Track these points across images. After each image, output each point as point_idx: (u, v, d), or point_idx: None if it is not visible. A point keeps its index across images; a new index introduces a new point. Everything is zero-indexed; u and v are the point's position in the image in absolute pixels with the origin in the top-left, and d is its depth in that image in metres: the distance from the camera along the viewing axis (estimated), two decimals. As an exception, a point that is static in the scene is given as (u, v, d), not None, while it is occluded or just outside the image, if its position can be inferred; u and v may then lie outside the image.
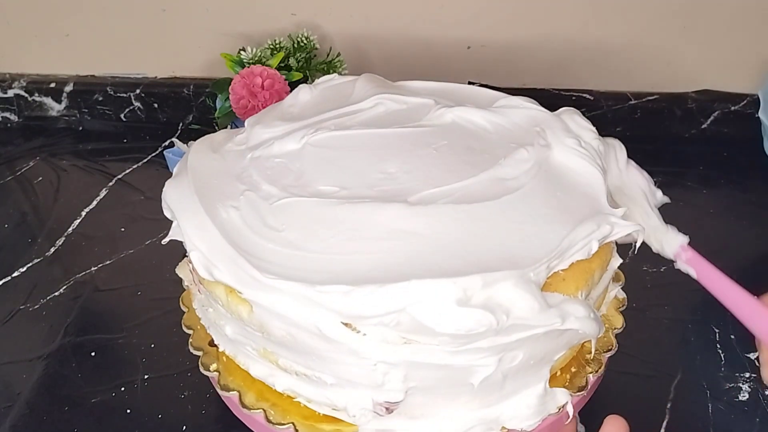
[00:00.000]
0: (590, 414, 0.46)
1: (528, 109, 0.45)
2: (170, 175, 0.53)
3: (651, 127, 0.72)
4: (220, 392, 0.41)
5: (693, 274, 0.42)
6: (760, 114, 0.67)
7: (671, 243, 0.43)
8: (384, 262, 0.35)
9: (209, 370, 0.42)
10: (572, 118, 0.44)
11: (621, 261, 0.43)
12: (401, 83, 0.50)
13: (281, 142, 0.43)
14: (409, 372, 0.35)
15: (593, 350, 0.41)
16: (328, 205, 0.38)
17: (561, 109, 0.45)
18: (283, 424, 0.39)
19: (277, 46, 0.64)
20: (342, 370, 0.35)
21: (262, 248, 0.36)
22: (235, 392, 0.41)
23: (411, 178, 0.40)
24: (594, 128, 0.43)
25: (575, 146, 0.41)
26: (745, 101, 0.70)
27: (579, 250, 0.36)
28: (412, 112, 0.46)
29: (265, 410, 0.39)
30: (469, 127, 0.44)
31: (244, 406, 0.40)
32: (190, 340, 0.44)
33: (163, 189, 0.41)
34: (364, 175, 0.41)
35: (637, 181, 0.43)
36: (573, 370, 0.41)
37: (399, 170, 0.41)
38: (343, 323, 0.33)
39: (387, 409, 0.36)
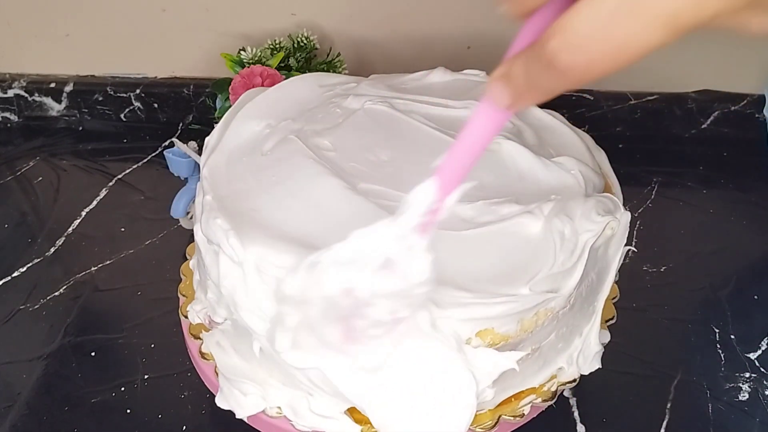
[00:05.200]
0: (590, 414, 0.46)
1: (570, 176, 0.42)
2: (170, 175, 0.54)
3: (651, 127, 0.72)
4: (181, 317, 0.46)
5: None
6: (766, 112, 0.67)
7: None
8: (270, 216, 0.38)
9: (180, 294, 0.48)
10: (589, 206, 0.39)
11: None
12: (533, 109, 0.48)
13: (352, 99, 0.46)
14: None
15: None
16: (300, 154, 0.41)
17: (599, 195, 0.41)
18: (207, 359, 0.42)
19: (277, 46, 0.64)
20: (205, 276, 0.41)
21: (236, 159, 0.42)
22: (186, 319, 0.45)
23: (388, 173, 0.40)
24: (596, 230, 0.38)
25: (550, 229, 0.38)
26: (745, 101, 0.70)
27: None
28: None
29: (202, 340, 0.43)
30: (507, 164, 0.42)
31: (191, 334, 0.44)
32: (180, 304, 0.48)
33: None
34: (363, 149, 0.42)
35: None
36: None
37: (389, 162, 0.41)
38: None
39: (209, 323, 0.43)
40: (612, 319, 0.45)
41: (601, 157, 0.46)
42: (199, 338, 0.43)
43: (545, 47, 0.19)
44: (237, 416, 0.40)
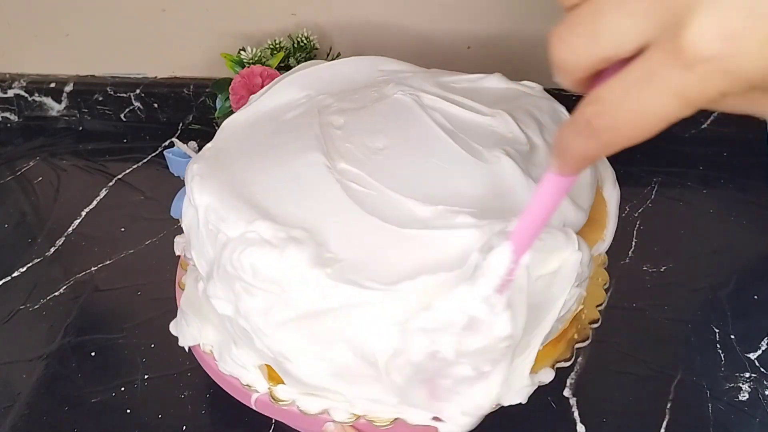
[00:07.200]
0: (590, 414, 0.46)
1: None
2: (170, 175, 0.54)
3: (651, 127, 0.72)
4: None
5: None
6: (766, 112, 0.67)
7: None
8: (245, 177, 0.39)
9: (181, 267, 0.48)
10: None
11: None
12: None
13: (392, 86, 0.46)
14: None
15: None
16: (307, 126, 0.42)
17: (546, 231, 0.37)
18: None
19: (277, 46, 0.64)
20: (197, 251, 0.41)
21: (258, 119, 0.44)
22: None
23: (377, 162, 0.39)
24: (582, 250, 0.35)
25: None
26: (745, 101, 0.70)
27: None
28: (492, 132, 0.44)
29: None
30: (492, 179, 0.40)
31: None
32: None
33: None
34: (366, 133, 0.42)
35: None
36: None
37: (381, 150, 0.41)
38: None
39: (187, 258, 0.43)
40: (597, 322, 0.42)
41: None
42: None
43: (584, 113, 0.22)
44: (179, 344, 0.41)
